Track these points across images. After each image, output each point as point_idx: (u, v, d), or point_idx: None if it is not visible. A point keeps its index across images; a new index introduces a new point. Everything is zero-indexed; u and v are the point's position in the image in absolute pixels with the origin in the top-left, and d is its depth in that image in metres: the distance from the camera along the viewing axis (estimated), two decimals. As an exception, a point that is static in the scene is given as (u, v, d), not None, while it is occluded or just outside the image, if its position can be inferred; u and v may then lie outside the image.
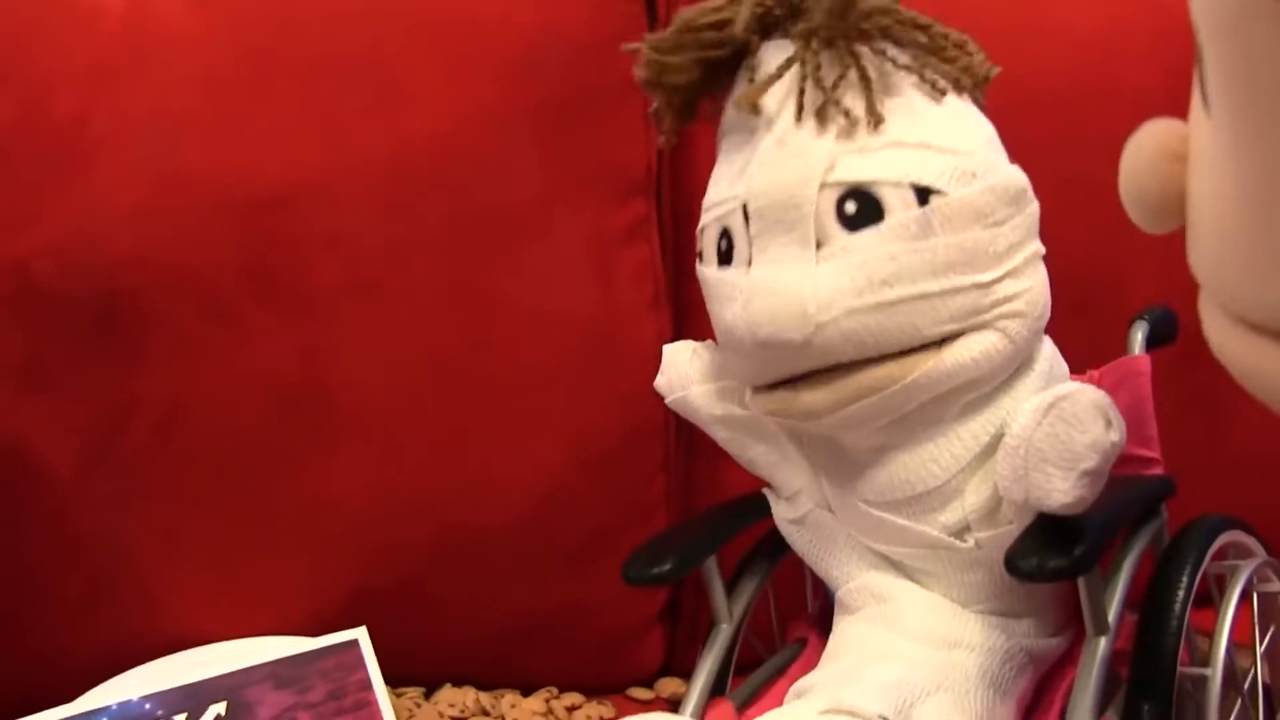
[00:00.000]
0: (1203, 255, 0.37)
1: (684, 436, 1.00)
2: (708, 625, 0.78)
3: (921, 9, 0.69)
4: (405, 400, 0.96)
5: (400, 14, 0.98)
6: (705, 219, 0.68)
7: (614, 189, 1.00)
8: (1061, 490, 0.55)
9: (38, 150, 0.92)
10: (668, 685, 1.01)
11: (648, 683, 1.02)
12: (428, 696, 0.97)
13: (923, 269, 0.61)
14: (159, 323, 0.92)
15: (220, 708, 0.80)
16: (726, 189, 0.66)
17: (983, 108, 0.67)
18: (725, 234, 0.66)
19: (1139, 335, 0.72)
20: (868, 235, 0.61)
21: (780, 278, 0.61)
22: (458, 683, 0.98)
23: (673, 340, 0.93)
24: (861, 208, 0.61)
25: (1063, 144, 0.95)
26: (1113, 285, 0.96)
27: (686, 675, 0.98)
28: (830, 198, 0.61)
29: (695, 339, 0.80)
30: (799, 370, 0.63)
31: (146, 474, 0.94)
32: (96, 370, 0.92)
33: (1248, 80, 0.31)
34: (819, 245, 0.61)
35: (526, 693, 0.98)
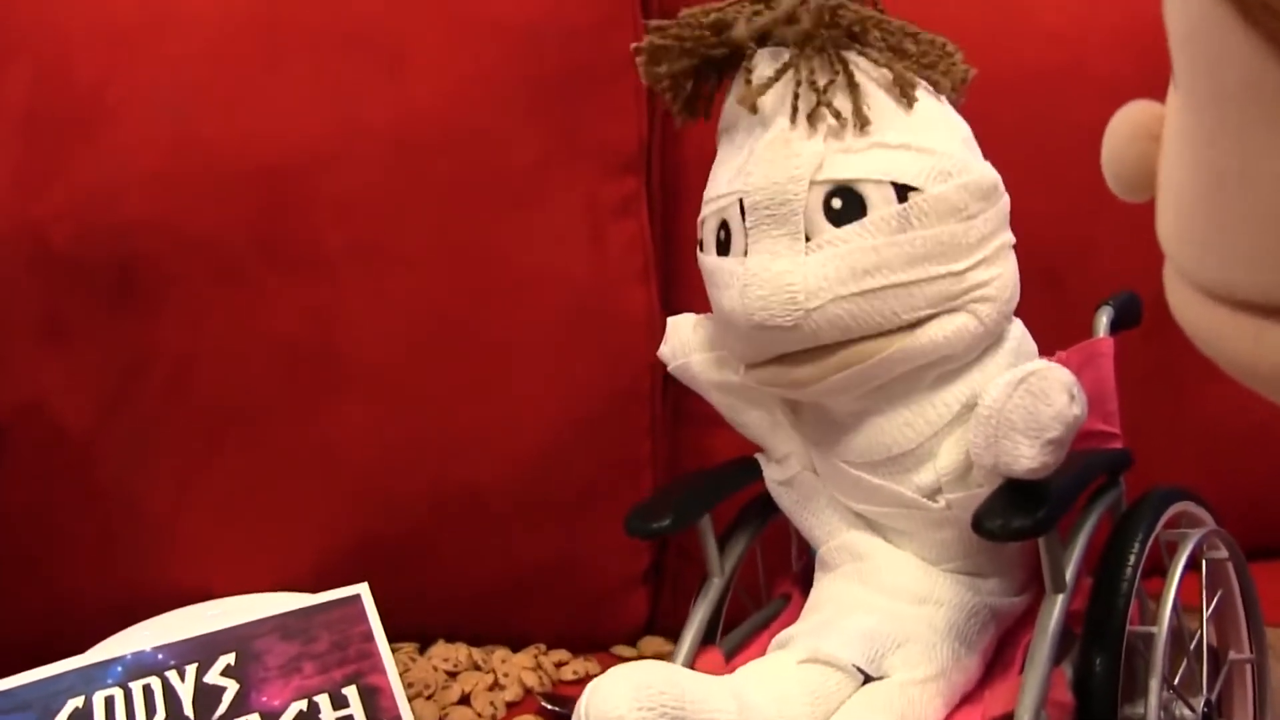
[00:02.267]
0: (1166, 226, 0.40)
1: (670, 401, 1.06)
2: (692, 585, 0.84)
3: (905, 9, 0.77)
4: (406, 359, 1.01)
5: None
6: (705, 210, 0.75)
7: (607, 163, 1.05)
8: (1028, 457, 0.63)
9: (56, 115, 0.98)
10: (650, 644, 1.07)
11: (631, 641, 1.08)
12: (422, 651, 1.03)
13: (901, 260, 0.68)
14: (172, 284, 0.97)
15: (230, 658, 0.85)
16: (725, 184, 0.73)
17: (960, 107, 0.75)
18: (724, 225, 0.73)
19: (1103, 319, 0.79)
20: (852, 229, 0.68)
21: (773, 267, 0.69)
22: (450, 638, 1.04)
23: (660, 309, 1.00)
24: (846, 204, 0.68)
25: (1037, 130, 1.02)
26: (1083, 264, 1.02)
27: (669, 635, 1.04)
28: (819, 194, 0.68)
29: (681, 309, 0.86)
30: (789, 349, 0.71)
31: (158, 430, 0.99)
32: (111, 329, 0.98)
33: (1208, 79, 0.35)
34: (808, 238, 0.69)
35: (516, 649, 1.04)
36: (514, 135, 1.03)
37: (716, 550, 0.82)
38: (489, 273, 1.02)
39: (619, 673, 0.64)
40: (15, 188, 0.98)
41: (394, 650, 0.95)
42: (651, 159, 1.08)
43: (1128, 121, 0.42)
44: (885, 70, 0.71)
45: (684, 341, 0.83)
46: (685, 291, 1.06)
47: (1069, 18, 1.06)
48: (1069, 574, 0.69)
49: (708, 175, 0.77)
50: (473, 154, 1.02)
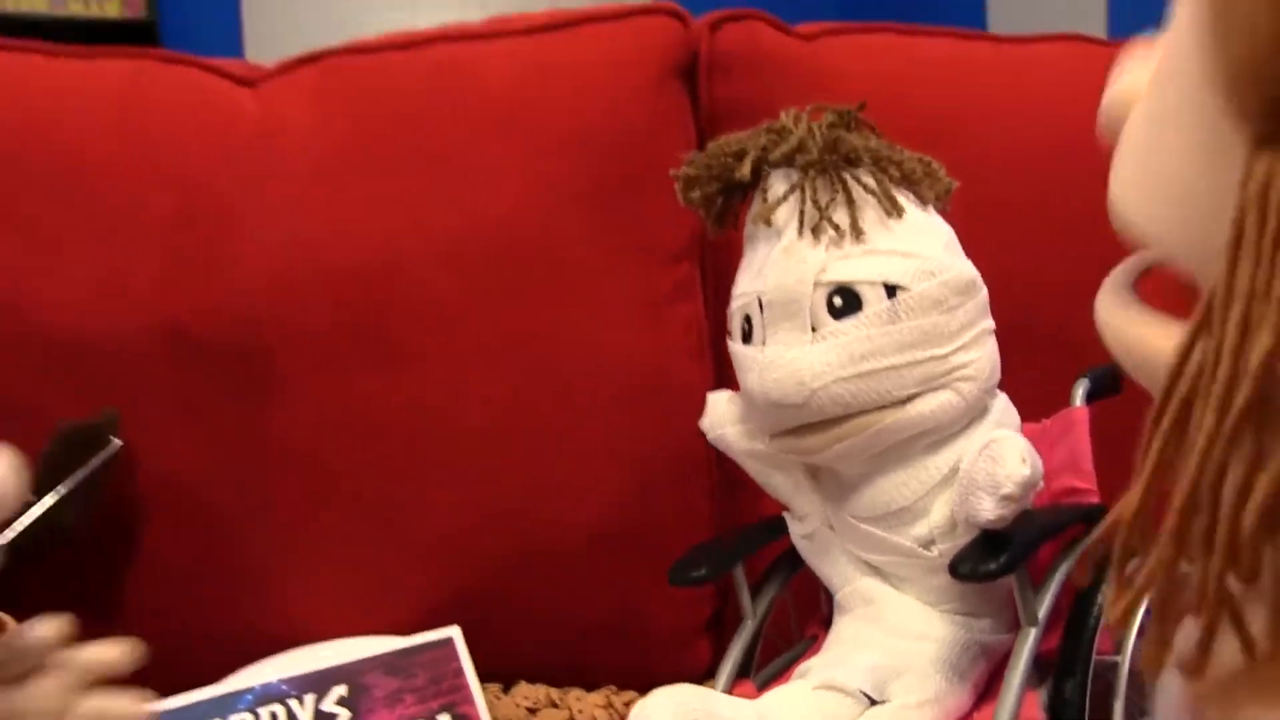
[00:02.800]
0: (1116, 172, 0.43)
1: (723, 470, 1.16)
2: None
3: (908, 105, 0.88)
4: (491, 437, 1.12)
5: (476, 110, 1.17)
6: (732, 305, 0.89)
7: (663, 253, 1.18)
8: (988, 509, 0.76)
9: (192, 225, 1.13)
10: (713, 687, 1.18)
11: (695, 684, 1.18)
12: (506, 691, 1.13)
13: (892, 347, 0.82)
14: (284, 369, 1.11)
15: (343, 689, 0.98)
16: (747, 285, 0.87)
17: (945, 213, 0.88)
18: (747, 318, 0.87)
19: (1080, 390, 0.91)
20: (850, 322, 0.82)
21: (785, 355, 0.82)
22: (531, 679, 1.15)
23: (715, 384, 1.13)
24: (846, 301, 0.82)
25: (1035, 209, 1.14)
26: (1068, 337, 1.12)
27: None
28: (822, 294, 0.82)
29: (734, 383, 0.98)
30: (801, 422, 0.84)
31: (274, 495, 1.12)
32: (235, 408, 1.11)
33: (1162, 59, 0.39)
34: (814, 329, 0.82)
35: (590, 689, 1.14)
36: (577, 233, 1.15)
37: (749, 597, 0.95)
38: (558, 357, 1.14)
39: (662, 692, 0.78)
40: (160, 287, 1.12)
41: (481, 689, 1.06)
42: (705, 246, 1.19)
43: (1121, 88, 0.44)
44: (879, 188, 0.84)
45: (720, 415, 0.97)
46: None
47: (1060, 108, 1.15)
48: (1041, 611, 0.80)
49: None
50: (541, 252, 1.15)
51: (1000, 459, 0.77)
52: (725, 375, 1.14)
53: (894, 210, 0.84)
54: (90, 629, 0.79)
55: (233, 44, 4.75)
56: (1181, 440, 0.36)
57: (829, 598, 0.97)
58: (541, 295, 1.14)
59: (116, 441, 1.01)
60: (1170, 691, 0.49)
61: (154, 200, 1.14)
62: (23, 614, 0.84)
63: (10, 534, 0.93)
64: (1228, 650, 0.36)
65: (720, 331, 1.18)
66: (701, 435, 1.12)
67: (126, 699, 0.77)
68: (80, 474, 0.96)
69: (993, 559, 0.76)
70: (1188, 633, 0.36)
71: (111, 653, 0.77)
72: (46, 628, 0.77)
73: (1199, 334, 0.36)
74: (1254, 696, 0.36)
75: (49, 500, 0.95)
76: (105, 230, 1.13)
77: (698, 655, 1.20)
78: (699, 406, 1.03)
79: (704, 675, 1.18)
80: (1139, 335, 0.42)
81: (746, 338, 0.87)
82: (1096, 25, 3.76)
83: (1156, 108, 0.40)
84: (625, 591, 1.16)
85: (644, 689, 1.12)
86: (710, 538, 1.16)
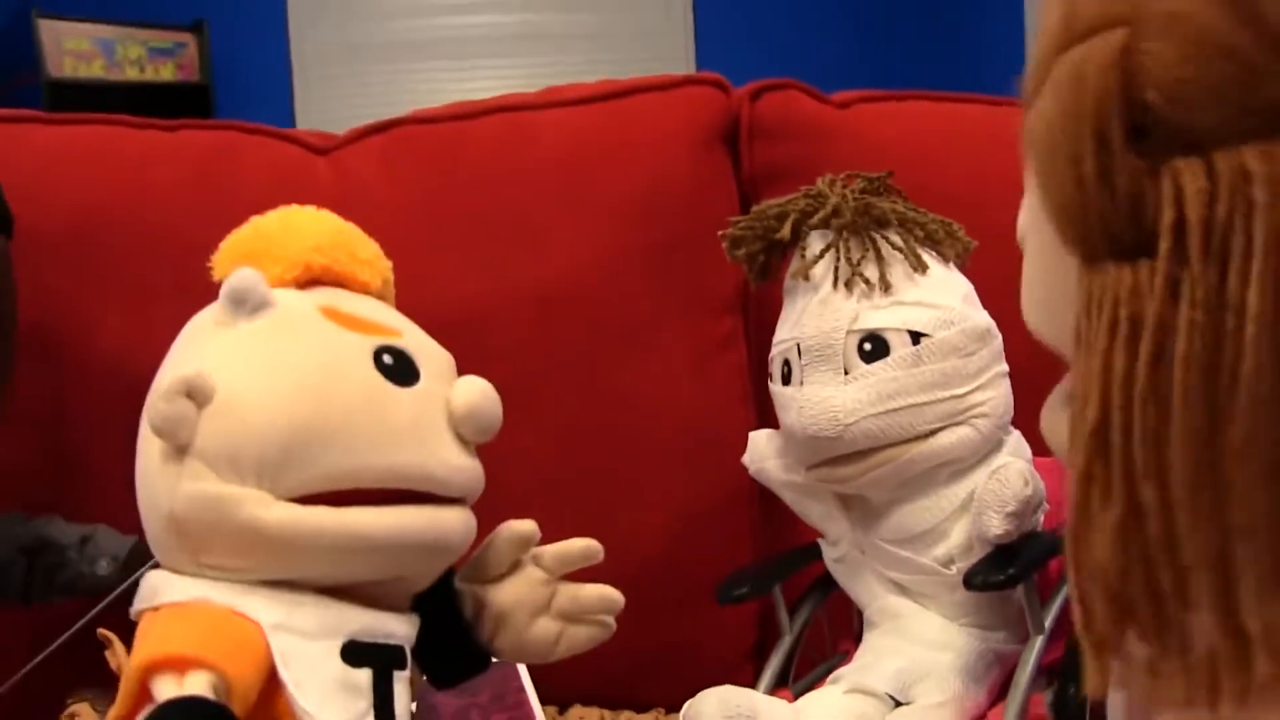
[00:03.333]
0: (1023, 287, 0.52)
1: (763, 505, 1.24)
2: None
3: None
4: (551, 475, 1.21)
5: (535, 175, 1.27)
6: (773, 351, 1.00)
7: (711, 307, 1.27)
8: (995, 525, 0.87)
9: None
10: None
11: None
12: (561, 713, 1.20)
13: (916, 387, 0.92)
14: None
15: (413, 705, 0.98)
16: (786, 333, 0.97)
17: (964, 268, 0.99)
18: (786, 363, 0.97)
19: None
20: (878, 365, 0.92)
21: (821, 394, 0.93)
22: (585, 702, 1.22)
23: (758, 426, 1.22)
24: (874, 347, 0.93)
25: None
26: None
27: None
28: (853, 340, 0.93)
29: (775, 426, 1.06)
30: (834, 454, 0.95)
31: None
32: None
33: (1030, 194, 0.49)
34: (846, 372, 0.93)
35: (640, 712, 1.21)
36: (631, 289, 1.24)
37: (786, 614, 1.05)
38: (615, 405, 1.23)
39: (709, 691, 0.89)
40: None
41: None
42: (749, 300, 1.28)
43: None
44: (905, 246, 0.95)
45: (761, 451, 1.07)
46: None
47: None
48: (1048, 620, 0.90)
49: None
50: (599, 309, 1.24)
51: (1006, 481, 0.88)
52: (767, 418, 1.21)
53: (919, 266, 0.94)
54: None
55: (283, 107, 4.87)
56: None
57: (859, 616, 1.06)
58: (599, 349, 1.23)
59: None
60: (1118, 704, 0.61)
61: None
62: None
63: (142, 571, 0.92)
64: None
65: (763, 377, 1.28)
66: (744, 473, 1.22)
67: (596, 587, 0.89)
68: None
69: (1001, 571, 0.86)
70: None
71: (577, 546, 0.90)
72: (520, 526, 0.89)
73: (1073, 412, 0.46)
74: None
75: None
76: (197, 295, 1.17)
77: (743, 680, 1.18)
78: (743, 447, 1.11)
79: (747, 698, 1.27)
80: (1062, 431, 0.50)
81: (786, 379, 0.98)
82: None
83: (1034, 238, 0.50)
84: (674, 620, 1.23)
85: (691, 711, 1.24)
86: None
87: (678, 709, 1.15)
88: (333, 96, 4.84)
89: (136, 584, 0.91)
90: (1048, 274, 0.50)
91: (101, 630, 0.86)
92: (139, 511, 0.83)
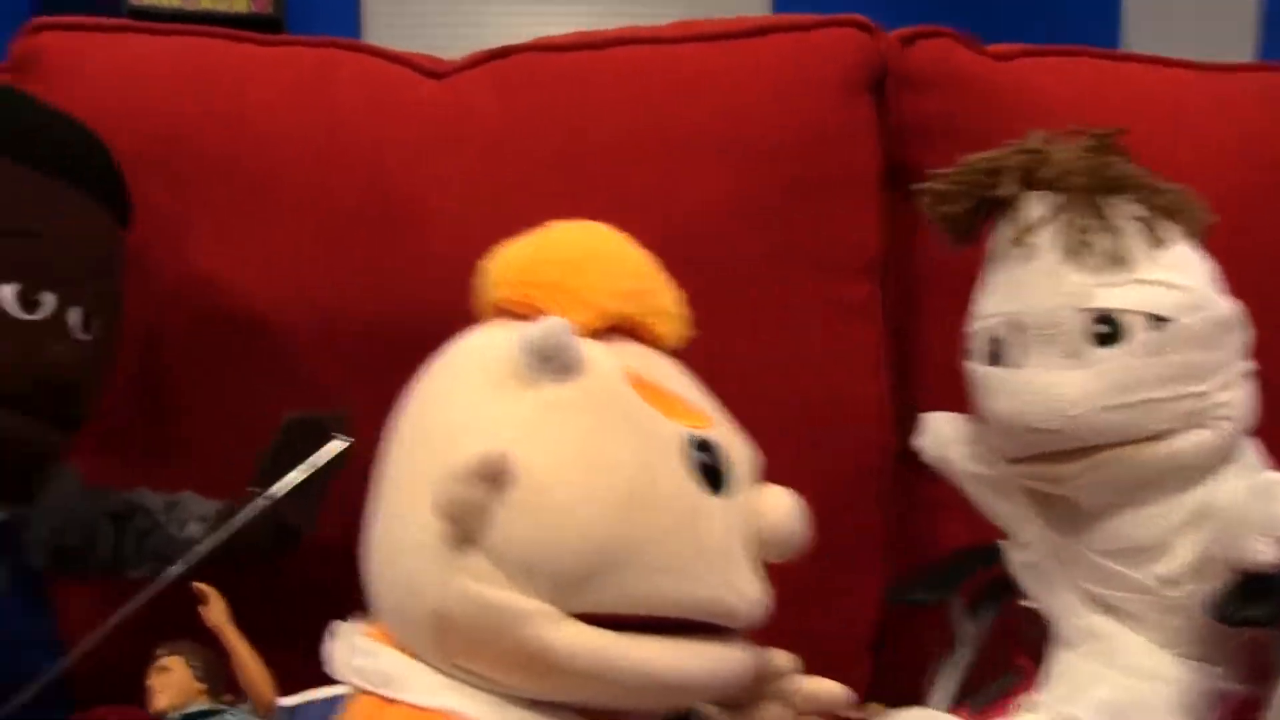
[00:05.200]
0: None
1: (903, 487, 1.14)
2: (910, 656, 0.95)
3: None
4: None
5: (661, 113, 1.16)
6: (976, 325, 0.87)
7: (846, 270, 1.16)
8: (1265, 551, 0.74)
9: (383, 223, 1.11)
10: (875, 710, 1.10)
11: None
12: None
13: (1154, 380, 0.80)
14: None
15: None
16: (995, 305, 0.85)
17: (1202, 249, 0.86)
18: (994, 340, 0.85)
19: None
20: (1112, 351, 0.80)
21: (1044, 379, 0.81)
22: None
23: (890, 401, 1.09)
24: (1109, 330, 0.80)
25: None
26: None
27: (889, 701, 1.12)
28: (1085, 320, 0.80)
29: (907, 403, 0.98)
30: (1053, 448, 0.82)
31: None
32: None
33: None
34: (1073, 356, 0.80)
35: None
36: (763, 243, 1.14)
37: (965, 623, 0.93)
38: (741, 365, 1.11)
39: (911, 713, 0.84)
40: (348, 278, 1.11)
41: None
42: (888, 264, 1.17)
43: None
44: (1143, 216, 0.82)
45: (943, 436, 0.95)
46: (909, 383, 1.16)
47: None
48: (1292, 661, 0.78)
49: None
50: (727, 260, 1.13)
51: (1274, 499, 0.75)
52: (900, 397, 1.14)
53: (1159, 240, 0.82)
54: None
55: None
56: None
57: (1034, 627, 0.94)
58: (725, 307, 1.11)
59: (342, 442, 0.93)
60: None
61: (342, 189, 1.13)
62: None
63: (229, 529, 0.90)
64: None
65: (899, 349, 1.18)
66: (873, 453, 1.09)
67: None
68: (307, 469, 0.91)
69: (1261, 607, 0.74)
70: None
71: (833, 688, 0.85)
72: (782, 659, 0.84)
73: None
74: None
75: (275, 493, 0.90)
76: (294, 220, 1.12)
77: (860, 675, 1.17)
78: (874, 423, 1.03)
79: (867, 695, 1.13)
80: None
81: (994, 360, 0.86)
82: (1244, 48, 3.64)
83: None
84: (792, 606, 1.07)
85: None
86: (884, 560, 1.16)
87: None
88: (404, 33, 4.75)
89: (228, 545, 0.90)
90: None
91: (197, 584, 0.84)
92: (370, 572, 0.76)
